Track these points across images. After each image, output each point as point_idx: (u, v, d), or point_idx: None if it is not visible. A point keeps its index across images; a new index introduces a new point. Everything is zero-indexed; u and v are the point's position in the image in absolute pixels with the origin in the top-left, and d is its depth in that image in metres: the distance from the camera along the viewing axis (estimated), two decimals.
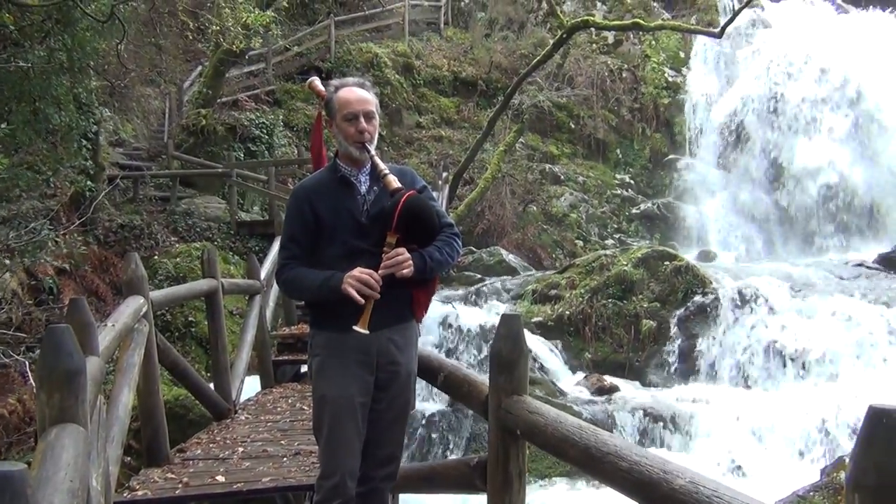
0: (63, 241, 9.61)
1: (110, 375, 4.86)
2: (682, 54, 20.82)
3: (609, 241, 17.18)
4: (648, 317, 10.65)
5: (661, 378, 10.14)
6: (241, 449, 4.99)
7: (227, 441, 5.26)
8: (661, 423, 8.58)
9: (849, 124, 17.84)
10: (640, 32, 19.15)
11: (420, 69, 20.55)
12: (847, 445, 7.68)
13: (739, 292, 10.66)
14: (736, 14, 14.25)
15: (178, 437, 5.45)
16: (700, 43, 20.50)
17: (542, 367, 9.84)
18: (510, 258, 14.70)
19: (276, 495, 4.57)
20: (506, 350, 2.74)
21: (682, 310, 10.71)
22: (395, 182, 2.92)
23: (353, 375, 2.94)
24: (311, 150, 3.57)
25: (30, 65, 7.77)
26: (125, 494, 4.09)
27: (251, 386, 7.54)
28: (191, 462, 4.73)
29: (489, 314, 10.83)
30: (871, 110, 17.90)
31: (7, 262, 8.24)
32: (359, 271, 2.84)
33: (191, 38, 15.75)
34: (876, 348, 9.63)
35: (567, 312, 10.88)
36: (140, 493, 4.13)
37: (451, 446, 8.40)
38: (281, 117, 17.20)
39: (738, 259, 16.23)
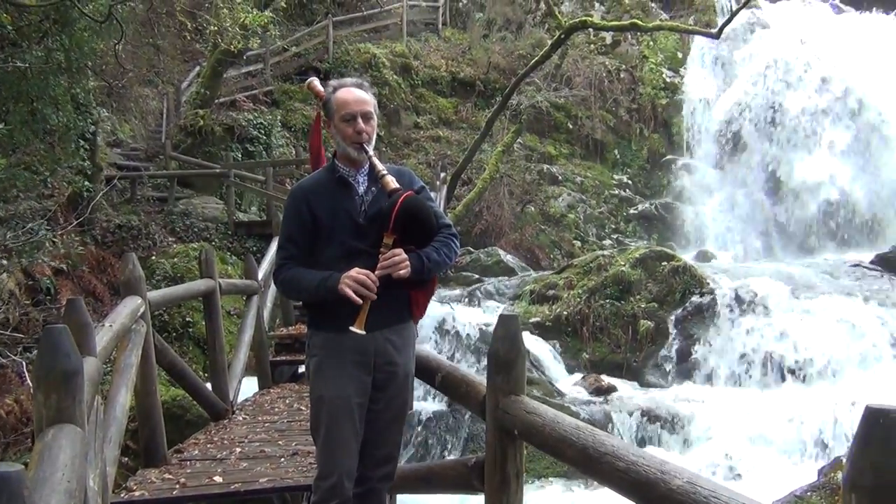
0: (60, 242, 9.60)
1: (108, 376, 4.85)
2: (679, 55, 20.84)
3: (607, 242, 17.19)
4: (646, 317, 10.66)
5: (658, 378, 10.15)
6: (238, 449, 4.99)
7: (225, 441, 5.26)
8: (659, 424, 8.58)
9: (850, 138, 17.53)
10: (638, 33, 19.17)
11: (418, 70, 20.56)
12: (844, 446, 7.69)
13: (737, 293, 10.66)
14: (734, 15, 14.26)
15: (175, 437, 5.44)
16: (698, 44, 20.51)
17: (539, 368, 9.84)
18: (508, 258, 14.70)
19: (273, 496, 4.57)
20: (503, 350, 2.74)
21: (679, 310, 10.72)
22: (392, 183, 2.92)
23: (351, 376, 2.94)
24: (310, 150, 3.57)
25: (27, 65, 7.76)
26: (122, 495, 4.09)
27: (249, 386, 7.54)
28: (188, 462, 4.73)
29: (487, 315, 10.83)
30: (874, 121, 17.60)
31: (4, 262, 8.23)
32: (356, 272, 2.84)
33: (189, 38, 15.74)
34: (873, 349, 9.64)
35: (565, 313, 10.88)
36: (137, 493, 4.12)
37: (448, 446, 8.40)
38: (279, 118, 17.19)
39: (735, 259, 16.24)
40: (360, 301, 2.83)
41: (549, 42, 15.71)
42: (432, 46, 22.01)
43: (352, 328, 2.85)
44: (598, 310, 10.79)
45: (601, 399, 9.16)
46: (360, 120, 2.97)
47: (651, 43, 20.78)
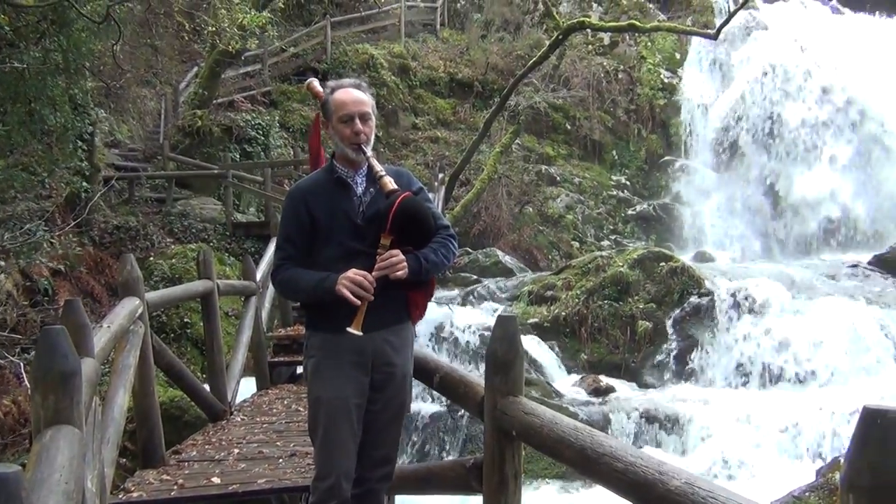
0: (58, 243, 9.60)
1: (105, 377, 4.85)
2: (677, 55, 20.85)
3: (605, 243, 17.20)
4: (644, 318, 10.67)
5: (656, 379, 10.15)
6: (236, 450, 4.99)
7: (223, 442, 5.26)
8: (657, 424, 8.59)
9: (851, 152, 17.16)
10: (636, 34, 19.18)
11: (416, 70, 20.56)
12: (843, 446, 7.70)
13: (735, 293, 10.67)
14: (731, 15, 14.27)
15: (173, 438, 5.44)
16: (695, 45, 20.51)
17: (538, 369, 9.85)
18: (506, 259, 14.70)
19: (271, 497, 4.56)
20: (501, 351, 2.74)
21: (677, 311, 10.72)
22: (390, 184, 2.92)
23: (349, 377, 2.94)
24: (310, 151, 3.57)
25: (25, 65, 7.75)
26: (120, 496, 4.08)
27: (247, 387, 7.54)
28: (186, 463, 4.72)
29: (487, 317, 10.82)
30: (875, 132, 17.24)
31: (2, 263, 8.23)
32: (353, 273, 2.84)
33: (187, 38, 15.71)
34: (871, 349, 9.65)
35: (563, 313, 10.89)
36: (135, 494, 4.12)
37: (447, 447, 8.40)
38: (277, 118, 17.19)
39: (733, 260, 16.23)
40: (358, 302, 2.83)
41: (547, 43, 15.71)
42: (430, 47, 22.02)
43: (349, 329, 2.85)
44: (597, 310, 10.80)
45: (599, 400, 9.17)
46: (357, 121, 2.97)
47: (649, 44, 20.80)
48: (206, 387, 6.17)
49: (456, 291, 12.31)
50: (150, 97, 17.46)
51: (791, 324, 10.10)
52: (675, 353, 10.34)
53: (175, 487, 4.23)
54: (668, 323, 10.64)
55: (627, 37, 20.31)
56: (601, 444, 2.14)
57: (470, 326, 10.33)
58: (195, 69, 17.96)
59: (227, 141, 15.65)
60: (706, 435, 8.42)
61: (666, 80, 20.26)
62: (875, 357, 9.56)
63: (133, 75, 14.77)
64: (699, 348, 10.25)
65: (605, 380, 9.78)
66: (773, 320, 10.21)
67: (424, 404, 8.86)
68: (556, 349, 10.54)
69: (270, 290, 8.96)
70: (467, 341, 10.13)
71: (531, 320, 10.88)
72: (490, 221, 16.82)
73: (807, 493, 5.58)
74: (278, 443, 5.19)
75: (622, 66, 20.59)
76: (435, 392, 4.52)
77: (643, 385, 10.10)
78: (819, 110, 17.81)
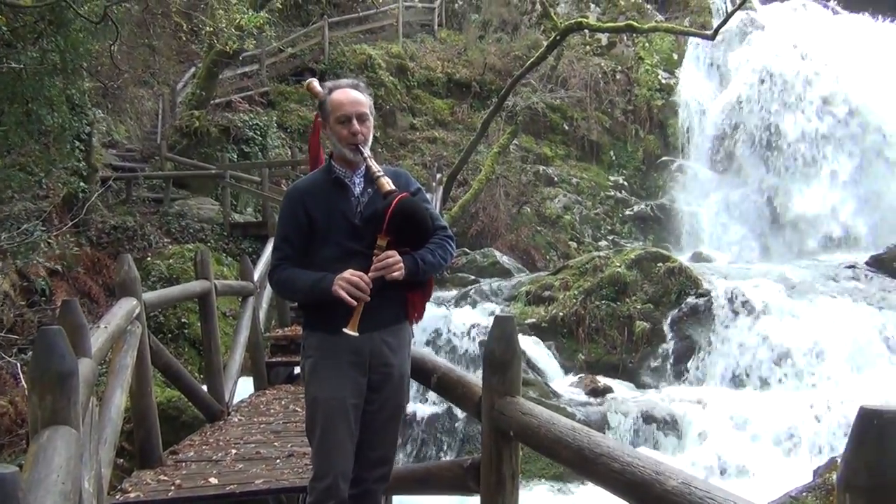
0: (55, 243, 9.59)
1: (103, 377, 4.85)
2: (675, 56, 20.86)
3: (602, 243, 17.21)
4: (642, 318, 10.67)
5: (654, 379, 10.16)
6: (234, 451, 4.99)
7: (220, 443, 5.26)
8: (655, 425, 8.59)
9: (852, 167, 16.68)
10: (634, 34, 19.20)
11: (414, 71, 20.57)
12: (840, 446, 7.71)
13: (732, 294, 10.68)
14: (729, 16, 14.29)
15: (170, 438, 5.44)
16: (692, 45, 20.52)
17: (535, 369, 9.85)
18: (504, 260, 14.71)
19: (269, 497, 4.56)
20: (499, 351, 2.74)
21: (675, 311, 10.73)
22: (388, 184, 2.92)
23: (346, 377, 2.94)
24: (309, 152, 3.57)
25: (22, 66, 7.75)
26: (118, 497, 4.08)
27: (244, 388, 7.53)
28: (183, 464, 4.72)
29: (482, 316, 10.82)
30: (878, 144, 16.75)
31: None
32: (349, 273, 2.84)
33: (184, 39, 15.71)
34: (868, 350, 9.66)
35: (561, 314, 10.89)
36: (132, 495, 4.12)
37: (444, 448, 8.40)
38: (275, 119, 17.18)
39: (731, 260, 16.25)
40: (354, 303, 2.83)
41: (545, 43, 15.72)
42: (428, 47, 22.02)
43: (345, 330, 2.85)
44: (594, 311, 10.80)
45: (597, 400, 9.17)
46: (355, 121, 2.97)
47: (647, 44, 20.81)
48: (204, 387, 6.17)
49: (454, 292, 12.31)
50: (147, 97, 17.45)
51: (788, 324, 10.11)
52: (672, 353, 10.34)
53: (172, 488, 4.22)
54: (666, 323, 10.64)
55: (625, 37, 20.34)
56: (598, 444, 2.14)
57: (470, 334, 10.28)
58: (193, 69, 17.95)
59: (225, 141, 15.65)
60: (703, 435, 8.43)
61: (663, 81, 20.27)
62: (872, 357, 9.57)
63: (130, 75, 14.76)
64: (697, 349, 10.26)
65: (602, 380, 9.78)
66: (771, 321, 10.22)
67: (422, 405, 8.86)
68: (554, 349, 10.55)
69: (268, 290, 8.96)
70: (466, 350, 10.09)
71: (529, 320, 10.88)
72: (488, 222, 16.83)
73: (804, 494, 5.59)
74: (276, 443, 5.19)
75: (620, 67, 20.60)
76: (433, 392, 4.52)
77: (641, 385, 10.10)
78: (819, 122, 17.33)
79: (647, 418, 8.64)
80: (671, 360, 10.29)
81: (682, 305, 10.74)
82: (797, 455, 8.09)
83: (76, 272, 10.47)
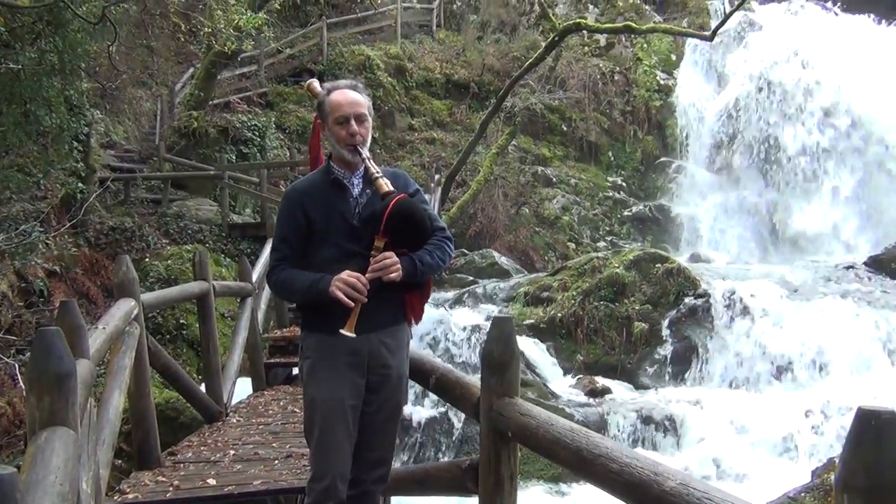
0: (53, 244, 9.59)
1: (101, 378, 4.84)
2: (673, 57, 20.88)
3: (601, 244, 17.22)
4: (640, 319, 10.68)
5: (652, 380, 10.16)
6: (232, 452, 4.98)
7: (219, 444, 5.25)
8: (654, 426, 8.60)
9: (854, 182, 16.30)
10: (632, 35, 19.21)
11: (412, 71, 20.57)
12: (838, 447, 7.71)
13: (731, 294, 10.69)
14: (727, 17, 14.32)
15: (169, 439, 5.43)
16: (691, 46, 20.53)
17: (534, 370, 9.85)
18: (502, 260, 14.71)
19: (267, 498, 4.56)
20: (497, 352, 2.74)
21: (673, 312, 10.74)
22: (386, 186, 2.91)
23: (344, 378, 2.94)
24: (310, 153, 3.56)
25: (20, 66, 7.74)
26: (116, 498, 4.07)
27: (242, 388, 7.52)
28: (182, 465, 4.72)
29: (481, 317, 10.83)
30: (880, 156, 16.36)
31: None
32: (346, 274, 2.84)
33: (182, 39, 15.72)
34: (867, 351, 9.67)
35: (559, 314, 10.89)
36: (131, 496, 4.11)
37: (443, 448, 8.40)
38: (273, 119, 17.18)
39: (730, 261, 16.27)
40: (351, 304, 2.83)
41: (544, 44, 15.73)
42: (426, 48, 22.02)
43: (342, 331, 2.85)
44: (593, 311, 10.80)
45: (596, 401, 9.18)
46: (353, 122, 2.96)
47: (645, 45, 20.83)
48: (202, 388, 6.16)
49: (452, 293, 12.31)
50: (145, 98, 17.45)
51: (787, 326, 10.12)
52: (670, 354, 10.35)
53: (171, 489, 4.22)
54: (664, 324, 10.65)
55: (623, 38, 20.35)
56: (597, 445, 2.14)
57: (469, 340, 10.26)
58: (191, 70, 17.94)
59: (223, 142, 15.63)
60: (702, 436, 8.43)
61: (662, 82, 20.29)
62: (870, 358, 9.58)
63: (129, 76, 14.76)
64: (695, 350, 10.26)
65: (601, 381, 9.79)
66: (769, 322, 10.24)
67: (420, 406, 8.86)
68: (552, 350, 10.55)
69: (266, 291, 8.95)
70: (464, 360, 10.06)
71: (527, 321, 10.89)
72: (486, 223, 16.83)
73: (802, 494, 5.59)
74: (274, 444, 5.18)
75: (618, 68, 20.62)
76: (431, 394, 4.52)
77: (639, 386, 10.11)
78: (820, 135, 16.91)
79: (646, 419, 8.65)
80: (669, 361, 10.30)
81: (681, 306, 10.75)
82: (795, 456, 8.10)
83: (74, 273, 10.46)
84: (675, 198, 18.54)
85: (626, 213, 18.40)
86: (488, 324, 9.44)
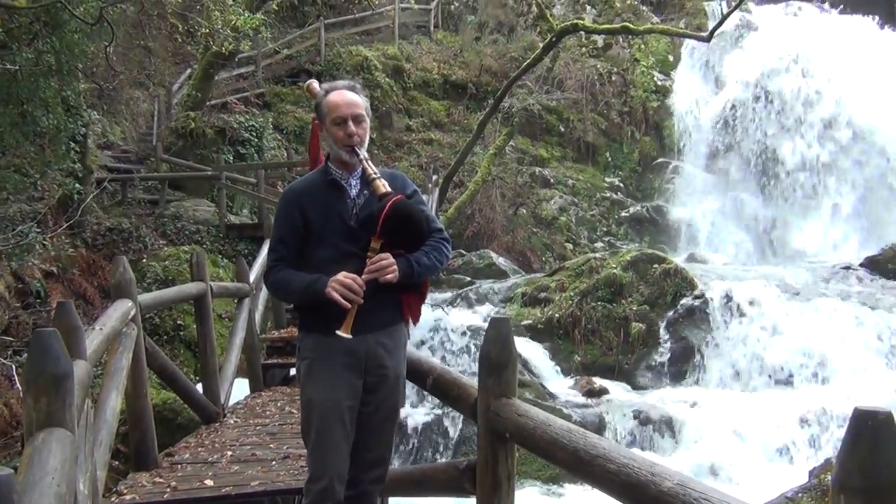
0: (51, 244, 9.57)
1: (98, 379, 4.83)
2: (671, 58, 20.90)
3: (598, 244, 17.22)
4: (638, 319, 10.69)
5: (650, 380, 10.17)
6: (229, 453, 4.98)
7: (216, 445, 5.25)
8: (651, 426, 8.60)
9: (855, 199, 15.90)
10: (630, 36, 19.20)
11: (410, 72, 20.58)
12: (834, 447, 7.72)
13: (728, 295, 10.70)
14: (724, 18, 14.32)
15: (166, 440, 5.42)
16: (688, 47, 20.54)
17: (531, 370, 9.85)
18: (500, 261, 14.71)
19: (264, 499, 4.55)
20: (495, 353, 2.74)
21: (671, 312, 10.75)
22: (383, 187, 2.91)
23: (341, 379, 2.94)
24: (310, 153, 3.56)
25: (17, 67, 7.74)
26: (113, 499, 4.07)
27: (240, 389, 7.52)
28: (179, 466, 4.71)
29: (478, 317, 10.82)
30: (882, 169, 15.95)
31: None
32: (343, 276, 2.84)
33: (180, 40, 15.71)
34: (863, 351, 9.68)
35: (557, 315, 10.90)
36: (128, 497, 4.11)
37: (440, 449, 8.40)
38: (270, 120, 17.17)
39: (727, 262, 16.28)
40: (348, 305, 2.83)
41: (541, 45, 15.73)
42: (424, 49, 22.03)
43: (338, 332, 2.85)
44: (590, 312, 10.81)
45: (593, 401, 9.18)
46: (350, 123, 2.96)
47: (642, 46, 20.82)
48: (200, 389, 6.16)
49: (450, 293, 12.31)
50: (143, 99, 17.43)
51: (784, 326, 10.13)
52: (668, 354, 10.36)
53: (168, 490, 4.21)
54: (662, 325, 10.66)
55: (621, 39, 20.32)
56: (594, 445, 2.14)
57: (469, 345, 10.26)
58: (188, 71, 17.93)
59: (221, 143, 15.63)
60: (699, 436, 8.44)
61: (659, 83, 20.31)
62: (867, 358, 9.59)
63: (126, 77, 14.75)
64: (692, 350, 10.27)
65: (598, 381, 9.80)
66: (766, 322, 10.24)
67: (418, 406, 8.85)
68: (550, 351, 10.56)
69: (264, 291, 8.94)
70: (464, 370, 10.06)
71: (525, 322, 10.89)
72: (484, 223, 16.83)
73: (799, 495, 5.60)
74: (271, 445, 5.18)
75: (615, 69, 20.63)
76: (428, 394, 4.51)
77: (637, 387, 10.11)
78: (820, 149, 16.50)
79: (643, 420, 8.65)
80: (667, 362, 10.30)
81: (678, 307, 10.76)
82: (793, 456, 8.10)
83: (71, 274, 10.44)
84: (673, 199, 18.55)
85: (623, 213, 18.41)
86: (481, 318, 9.42)
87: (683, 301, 10.80)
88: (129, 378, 4.30)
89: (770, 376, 9.74)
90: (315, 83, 3.26)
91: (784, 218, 16.64)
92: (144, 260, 11.55)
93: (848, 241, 16.02)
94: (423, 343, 9.98)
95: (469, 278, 13.43)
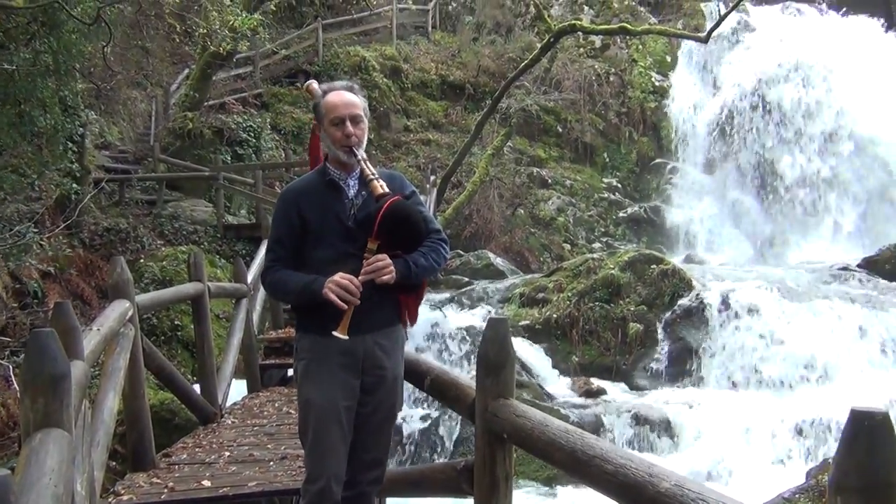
0: (48, 245, 9.56)
1: (95, 380, 4.83)
2: (668, 59, 20.91)
3: (596, 245, 17.22)
4: (635, 320, 10.69)
5: (648, 381, 10.17)
6: (227, 453, 4.97)
7: (214, 445, 5.24)
8: (649, 427, 8.60)
9: (856, 216, 15.60)
10: (627, 37, 19.22)
11: (408, 73, 20.58)
12: (832, 448, 7.73)
13: (725, 295, 10.70)
14: (722, 19, 14.33)
15: (163, 441, 5.42)
16: (686, 48, 20.55)
17: (529, 371, 9.85)
18: (498, 261, 14.71)
19: (262, 499, 4.55)
20: (492, 353, 2.74)
21: (668, 313, 10.75)
22: (380, 188, 2.91)
23: (339, 379, 2.94)
24: (310, 154, 3.56)
25: (15, 67, 7.73)
26: (110, 500, 4.07)
27: (238, 390, 7.51)
28: (177, 466, 4.71)
29: (476, 318, 10.82)
30: (885, 182, 15.56)
31: None
32: (339, 276, 2.84)
33: (178, 40, 15.71)
34: (860, 351, 9.69)
35: (554, 316, 10.90)
36: (125, 498, 4.11)
37: (438, 450, 8.39)
38: (268, 120, 17.16)
39: (724, 263, 16.27)
40: (344, 306, 2.83)
41: (539, 45, 15.74)
42: (422, 49, 22.03)
43: (335, 333, 2.85)
44: (588, 313, 10.81)
45: (591, 402, 9.18)
46: (348, 123, 2.96)
47: (640, 47, 20.85)
48: (197, 389, 6.15)
49: (447, 294, 12.31)
50: (140, 99, 17.42)
51: (781, 326, 10.13)
52: (666, 355, 10.36)
53: (165, 490, 4.21)
54: (659, 325, 10.66)
55: (618, 40, 20.34)
56: (592, 446, 2.14)
57: (464, 338, 10.26)
58: (186, 71, 17.93)
59: (218, 143, 15.62)
60: (697, 437, 8.44)
61: (657, 83, 20.32)
62: (864, 359, 9.60)
63: (124, 77, 14.74)
64: (690, 351, 10.27)
65: (596, 382, 9.80)
66: (764, 323, 10.24)
67: (416, 407, 8.85)
68: (548, 351, 10.55)
69: (261, 292, 8.94)
70: (461, 362, 10.07)
71: (522, 322, 10.89)
72: (482, 224, 16.83)
73: (797, 495, 5.60)
74: (269, 445, 5.18)
75: (613, 69, 20.64)
76: (427, 395, 4.51)
77: (634, 387, 10.11)
78: (821, 163, 16.10)
79: (641, 420, 8.65)
80: (665, 362, 10.30)
81: (676, 307, 10.76)
82: (790, 456, 8.11)
83: (69, 274, 10.43)
84: (671, 199, 18.55)
85: (621, 214, 18.41)
86: (479, 318, 9.37)
87: (681, 302, 10.80)
88: (127, 378, 4.29)
89: (767, 377, 9.74)
90: (315, 84, 3.26)
91: (783, 235, 16.36)
92: (142, 260, 11.54)
93: (848, 260, 15.27)
94: (418, 351, 9.97)
95: (467, 279, 13.42)
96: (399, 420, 8.14)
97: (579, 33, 16.96)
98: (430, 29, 23.16)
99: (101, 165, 14.36)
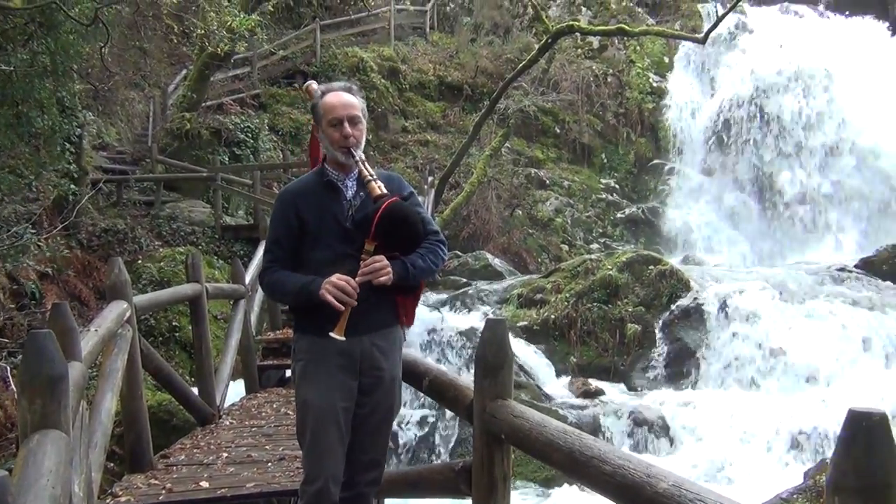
0: (46, 246, 9.55)
1: (93, 381, 4.82)
2: (666, 60, 20.92)
3: (594, 246, 17.23)
4: (633, 321, 10.69)
5: (646, 382, 10.18)
6: (225, 454, 4.97)
7: (212, 446, 5.24)
8: (647, 427, 8.61)
9: (858, 233, 15.32)
10: (625, 38, 19.24)
11: (406, 73, 20.58)
12: (830, 448, 7.73)
13: (723, 296, 10.71)
14: (720, 20, 14.33)
15: (161, 442, 5.41)
16: (683, 49, 20.56)
17: (527, 372, 9.85)
18: (496, 262, 14.71)
19: (260, 500, 4.55)
20: (490, 354, 2.74)
21: (666, 314, 10.75)
22: (378, 189, 2.91)
23: (336, 380, 2.94)
24: (310, 155, 3.55)
25: (12, 68, 7.72)
26: (108, 501, 4.06)
27: (236, 391, 7.52)
28: (174, 468, 4.71)
29: (474, 319, 10.82)
30: (887, 197, 15.30)
31: None
32: (336, 278, 2.84)
33: (175, 41, 15.68)
34: (858, 352, 9.70)
35: (552, 316, 10.90)
36: (123, 499, 4.10)
37: (436, 451, 8.39)
38: (266, 121, 17.16)
39: (722, 264, 16.28)
40: (341, 307, 2.83)
41: (537, 46, 15.75)
42: (420, 50, 22.03)
43: (331, 334, 2.85)
44: (586, 313, 10.81)
45: (589, 403, 9.18)
46: (346, 124, 2.96)
47: (638, 48, 20.87)
48: (195, 390, 6.15)
49: (445, 295, 12.31)
50: (138, 100, 17.40)
51: (779, 327, 10.14)
52: (663, 356, 10.37)
53: (163, 492, 4.21)
54: (657, 326, 10.67)
55: (616, 40, 20.38)
56: (589, 447, 2.14)
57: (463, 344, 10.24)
58: (184, 72, 17.91)
59: (216, 144, 15.61)
60: (695, 438, 8.44)
61: (655, 84, 20.32)
62: (862, 359, 9.60)
63: (121, 78, 14.72)
64: (688, 351, 10.28)
65: (594, 383, 9.80)
66: (762, 323, 10.25)
67: (414, 408, 8.85)
68: (546, 352, 10.55)
69: (259, 293, 8.94)
70: (460, 371, 10.06)
71: (520, 323, 10.89)
72: (479, 225, 16.83)
73: (794, 496, 5.60)
74: (267, 446, 5.18)
75: (611, 70, 20.65)
76: (425, 395, 4.51)
77: (632, 388, 10.12)
78: (822, 179, 15.79)
79: (639, 421, 8.65)
80: (663, 363, 10.31)
81: (674, 308, 10.77)
82: (788, 457, 8.11)
83: (66, 275, 10.42)
84: (668, 200, 18.55)
85: (619, 215, 18.42)
86: (477, 319, 9.36)
87: (679, 302, 10.81)
88: (125, 380, 4.29)
89: (766, 377, 9.75)
90: (314, 84, 3.25)
91: (782, 252, 16.07)
92: (140, 261, 11.53)
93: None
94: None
95: (465, 280, 13.42)
96: (395, 427, 8.15)
97: (577, 34, 17.00)
98: (427, 30, 23.16)
99: (99, 166, 14.35)
